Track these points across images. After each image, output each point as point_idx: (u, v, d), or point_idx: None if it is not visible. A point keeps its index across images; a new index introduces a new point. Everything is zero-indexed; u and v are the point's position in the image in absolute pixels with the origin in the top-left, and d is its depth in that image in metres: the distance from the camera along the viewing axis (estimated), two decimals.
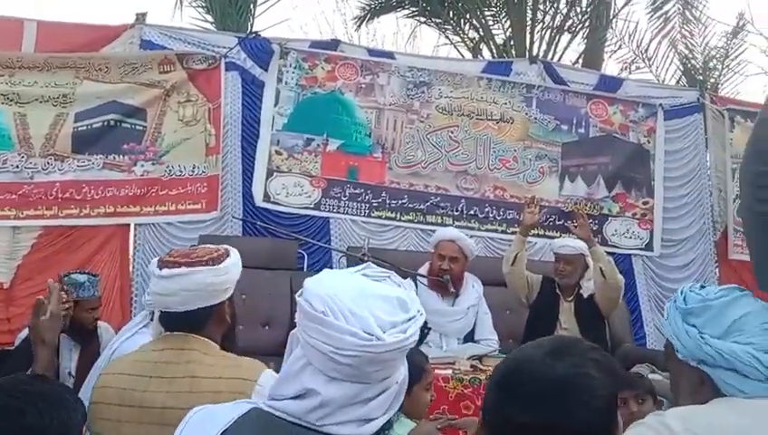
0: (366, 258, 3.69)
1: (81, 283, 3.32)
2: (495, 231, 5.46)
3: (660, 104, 5.86)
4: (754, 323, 1.32)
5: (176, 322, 1.65)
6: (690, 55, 8.28)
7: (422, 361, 2.21)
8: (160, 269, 1.63)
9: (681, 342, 1.37)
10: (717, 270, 5.82)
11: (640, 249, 5.68)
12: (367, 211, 5.22)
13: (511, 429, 0.98)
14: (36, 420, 1.21)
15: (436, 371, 3.11)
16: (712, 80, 8.34)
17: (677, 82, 8.22)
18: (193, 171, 4.92)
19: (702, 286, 1.42)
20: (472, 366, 3.25)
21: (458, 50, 8.45)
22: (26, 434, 1.21)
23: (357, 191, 5.22)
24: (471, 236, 5.20)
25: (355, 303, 1.07)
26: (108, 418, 1.60)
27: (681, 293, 1.43)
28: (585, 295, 4.09)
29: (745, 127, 5.98)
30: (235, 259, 1.68)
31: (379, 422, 1.09)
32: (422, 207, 5.34)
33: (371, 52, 5.63)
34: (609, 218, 5.66)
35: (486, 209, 5.47)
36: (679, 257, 5.73)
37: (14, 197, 4.56)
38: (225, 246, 1.73)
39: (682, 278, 5.67)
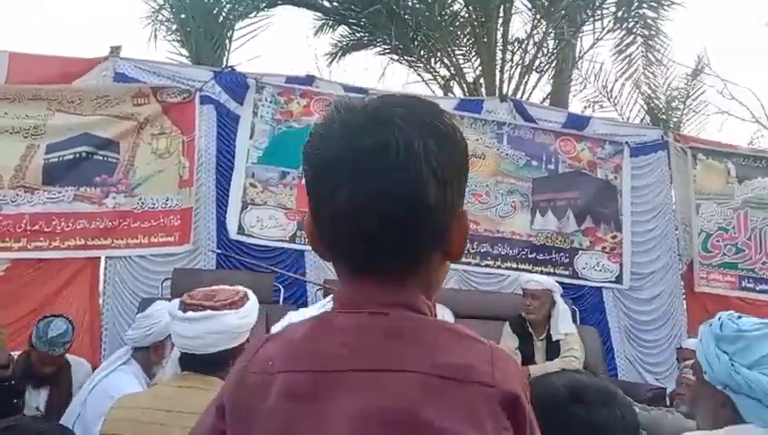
0: None
1: (54, 340, 3.12)
2: (469, 264, 5.50)
3: (626, 142, 6.04)
4: None
5: (198, 363, 1.68)
6: (653, 95, 8.58)
7: None
8: (184, 312, 1.66)
9: (711, 365, 1.44)
10: (685, 302, 5.94)
11: (611, 282, 5.78)
12: None
13: None
14: None
15: None
16: (675, 119, 8.64)
17: (641, 120, 8.48)
18: (166, 204, 4.87)
19: (739, 316, 1.49)
20: None
21: (429, 87, 8.61)
22: None
23: None
24: None
25: None
26: None
27: (719, 319, 1.49)
28: (554, 338, 4.14)
29: (707, 164, 6.20)
30: (254, 301, 1.74)
31: None
32: None
33: (346, 88, 5.70)
34: (580, 252, 5.76)
35: None
36: (648, 290, 5.84)
37: None
38: (243, 288, 1.77)
39: (651, 310, 5.79)
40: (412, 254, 0.75)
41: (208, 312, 1.64)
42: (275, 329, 1.17)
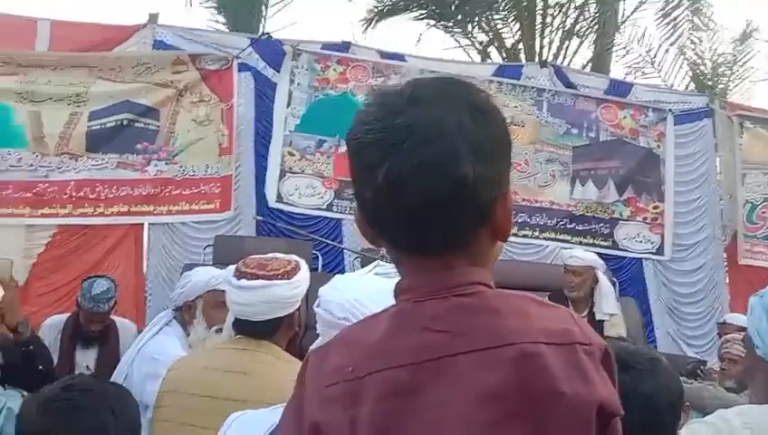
0: (385, 260, 3.70)
1: (97, 297, 3.21)
2: None
3: (670, 109, 5.88)
4: None
5: (250, 328, 1.73)
6: (699, 61, 8.30)
7: None
8: (238, 280, 1.71)
9: (763, 339, 1.40)
10: (727, 275, 5.83)
11: (651, 253, 5.69)
12: None
13: None
14: (108, 416, 1.26)
15: None
16: (721, 85, 8.35)
17: (686, 87, 8.23)
18: (206, 171, 4.93)
19: None
20: None
21: (467, 52, 8.46)
22: (101, 431, 1.25)
23: None
24: None
25: (375, 303, 1.05)
26: (178, 405, 1.69)
27: None
28: (598, 317, 4.05)
29: (754, 132, 6.01)
30: (305, 272, 1.76)
31: None
32: None
33: (383, 54, 5.64)
34: (620, 222, 5.67)
35: None
36: (689, 262, 5.74)
37: (28, 195, 4.57)
38: (296, 258, 1.80)
39: (692, 282, 5.70)
40: (456, 230, 0.74)
41: (261, 281, 1.68)
42: (322, 292, 1.17)
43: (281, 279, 1.69)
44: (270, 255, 1.85)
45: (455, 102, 0.74)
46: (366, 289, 1.12)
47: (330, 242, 4.71)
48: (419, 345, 0.72)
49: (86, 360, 3.35)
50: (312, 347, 1.17)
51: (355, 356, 0.74)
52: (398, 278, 1.18)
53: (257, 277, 1.68)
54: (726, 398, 3.08)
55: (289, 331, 1.78)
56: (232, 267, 1.80)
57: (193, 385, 1.69)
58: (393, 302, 1.08)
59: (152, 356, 2.43)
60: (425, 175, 0.71)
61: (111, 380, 2.60)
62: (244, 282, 1.69)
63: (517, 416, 0.68)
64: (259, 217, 4.89)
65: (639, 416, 0.97)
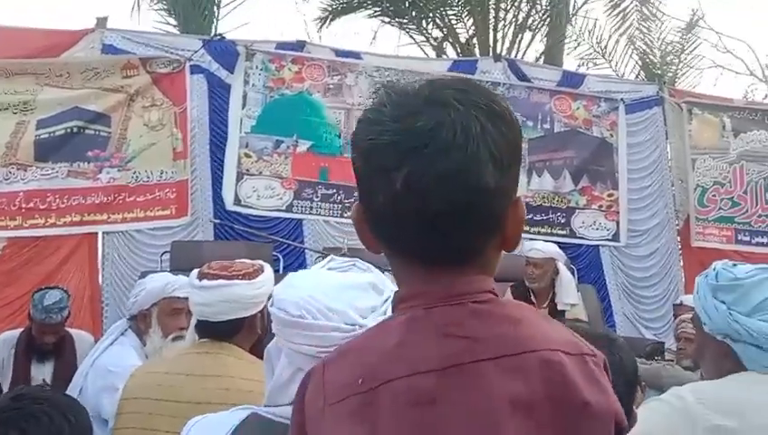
0: (345, 256, 3.69)
1: (49, 308, 3.16)
2: None
3: (621, 99, 6.00)
4: None
5: (211, 330, 1.74)
6: (648, 51, 8.50)
7: None
8: (200, 280, 1.72)
9: (709, 316, 1.44)
10: (681, 258, 5.99)
11: (608, 240, 5.81)
12: (339, 211, 5.22)
13: None
14: (63, 422, 1.26)
15: None
16: (669, 74, 8.56)
17: (636, 76, 8.42)
18: (161, 177, 4.85)
19: (734, 265, 1.48)
20: None
21: (422, 49, 8.50)
22: None
23: (329, 192, 5.22)
24: None
25: (330, 298, 1.07)
26: (140, 411, 1.69)
27: (713, 269, 1.48)
28: (559, 307, 4.12)
29: (703, 118, 6.18)
30: (269, 275, 1.76)
31: None
32: None
33: (338, 52, 5.62)
34: (577, 211, 5.78)
35: None
36: (644, 247, 5.88)
37: None
38: (261, 263, 1.81)
39: (648, 266, 5.84)
40: (473, 240, 0.73)
41: (221, 281, 1.69)
42: (276, 291, 1.16)
43: (242, 279, 1.70)
44: (238, 260, 1.86)
45: (475, 106, 0.70)
46: (320, 285, 1.11)
47: (290, 242, 4.68)
48: (441, 351, 0.69)
49: (42, 374, 3.27)
50: (269, 347, 1.16)
51: (365, 367, 0.70)
52: (353, 271, 1.18)
53: (218, 277, 1.70)
54: (683, 376, 3.17)
55: (251, 333, 1.79)
56: (196, 271, 1.80)
57: (155, 390, 1.69)
58: (347, 294, 1.08)
59: (107, 368, 2.38)
60: (449, 182, 0.68)
61: (66, 393, 2.56)
62: (205, 282, 1.71)
63: (547, 425, 0.67)
64: (216, 221, 4.83)
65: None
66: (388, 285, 1.14)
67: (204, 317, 1.74)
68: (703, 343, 1.51)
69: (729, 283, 1.42)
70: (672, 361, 3.78)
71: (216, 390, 1.61)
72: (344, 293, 1.09)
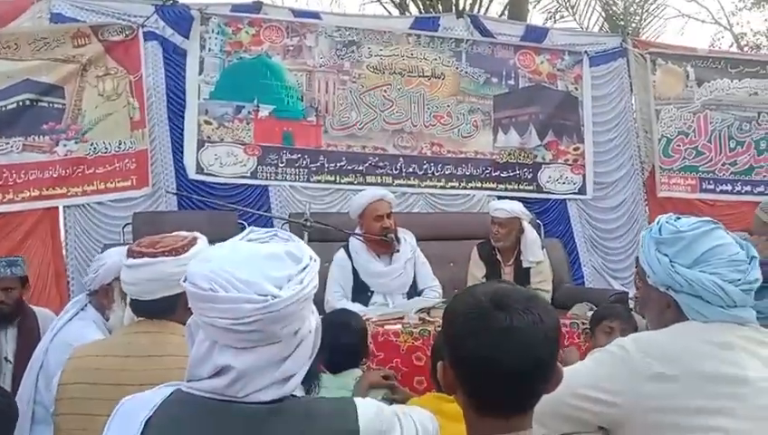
0: (309, 223, 3.66)
1: (4, 262, 3.17)
2: (434, 187, 5.52)
3: (585, 51, 5.98)
4: (723, 254, 1.41)
5: (145, 309, 1.68)
6: (611, 2, 8.46)
7: None
8: (127, 258, 1.66)
9: (652, 269, 1.47)
10: (647, 208, 6.07)
11: (574, 193, 5.86)
12: (305, 176, 5.17)
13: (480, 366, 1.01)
14: None
15: (386, 326, 3.16)
16: (633, 24, 8.55)
17: (600, 28, 8.39)
18: (119, 148, 4.74)
19: (678, 218, 1.50)
20: (420, 319, 3.30)
21: (385, 7, 8.36)
22: None
23: (294, 157, 5.16)
24: (411, 194, 5.24)
25: (241, 270, 1.05)
26: (79, 396, 1.62)
27: (657, 223, 1.51)
28: (524, 265, 4.15)
29: (667, 69, 6.19)
30: (200, 248, 1.67)
31: (300, 377, 1.10)
32: (361, 168, 5.32)
33: (296, 12, 5.49)
34: (543, 166, 5.80)
35: (425, 166, 5.51)
36: (611, 199, 5.95)
37: None
38: (195, 233, 1.74)
39: (614, 218, 5.91)
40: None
41: (145, 259, 1.63)
42: (189, 266, 1.13)
43: (168, 256, 1.63)
44: (174, 233, 1.79)
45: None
46: (232, 256, 1.08)
47: (254, 211, 4.63)
48: None
49: (3, 352, 3.23)
50: (189, 321, 1.14)
51: None
52: (273, 242, 1.15)
53: (143, 255, 1.63)
54: (643, 325, 3.24)
55: (188, 310, 1.73)
56: (126, 248, 1.74)
57: (92, 374, 1.63)
58: (260, 264, 1.05)
59: (68, 343, 2.32)
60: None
61: (27, 369, 2.53)
62: (130, 260, 1.64)
63: None
64: (173, 193, 4.76)
65: (515, 351, 0.99)
66: (307, 253, 1.13)
67: (134, 296, 1.68)
68: (647, 295, 1.53)
69: (672, 236, 1.45)
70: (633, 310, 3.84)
71: (158, 370, 1.55)
72: (257, 263, 1.07)
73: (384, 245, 3.81)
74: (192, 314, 1.71)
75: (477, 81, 5.68)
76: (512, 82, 5.78)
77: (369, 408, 1.11)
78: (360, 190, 5.10)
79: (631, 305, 4.20)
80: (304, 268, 1.10)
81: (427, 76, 5.56)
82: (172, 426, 1.05)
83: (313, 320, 1.15)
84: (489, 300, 1.02)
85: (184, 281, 1.10)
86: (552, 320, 1.03)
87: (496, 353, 0.98)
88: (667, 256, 1.44)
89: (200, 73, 4.99)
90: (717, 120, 6.24)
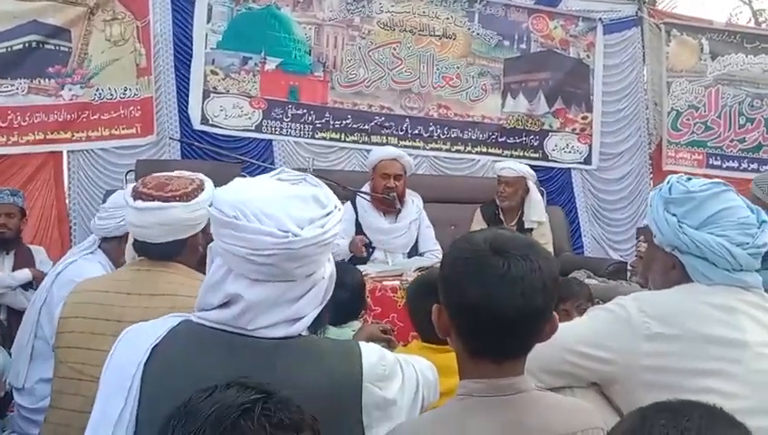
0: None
1: (1, 189, 3.38)
2: (440, 150, 5.49)
3: (600, 18, 5.88)
4: (732, 217, 1.39)
5: (151, 250, 1.68)
6: None
7: None
8: (134, 200, 1.63)
9: (659, 228, 1.45)
10: (651, 181, 6.04)
11: (579, 163, 5.83)
12: (310, 132, 5.14)
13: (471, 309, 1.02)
14: None
15: (385, 283, 3.19)
16: None
17: None
18: (125, 94, 4.71)
19: (689, 178, 1.47)
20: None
21: None
22: None
23: (299, 112, 5.12)
24: (416, 156, 5.23)
25: (266, 204, 1.07)
26: (80, 331, 1.63)
27: (668, 182, 1.48)
28: (526, 226, 4.17)
29: (681, 40, 6.09)
30: (208, 194, 1.68)
31: (308, 319, 1.11)
32: (366, 127, 5.29)
33: None
34: (550, 134, 5.76)
35: (431, 128, 5.47)
36: (616, 170, 5.91)
37: None
38: (201, 177, 1.73)
39: (618, 190, 5.89)
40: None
41: (156, 203, 1.61)
42: (216, 192, 1.15)
43: (178, 201, 1.63)
44: (175, 172, 1.78)
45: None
46: (261, 190, 1.10)
47: (258, 163, 4.62)
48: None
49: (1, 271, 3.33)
50: (211, 244, 1.16)
51: None
52: (302, 185, 1.17)
53: (153, 199, 1.62)
54: (636, 292, 3.26)
55: (194, 253, 1.74)
56: (131, 186, 1.73)
57: (95, 309, 1.63)
58: (285, 203, 1.07)
59: (71, 279, 2.35)
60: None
61: (30, 304, 2.58)
62: (140, 203, 1.62)
63: None
64: (177, 139, 4.73)
65: (511, 297, 1.00)
66: (333, 200, 1.14)
67: (141, 238, 1.68)
68: (652, 255, 1.52)
69: (681, 196, 1.42)
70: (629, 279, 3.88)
71: (161, 308, 1.53)
72: (283, 201, 1.08)
73: (386, 203, 3.82)
74: (198, 254, 1.73)
75: (489, 43, 5.60)
76: (523, 46, 5.70)
77: (372, 352, 1.13)
78: (365, 149, 5.12)
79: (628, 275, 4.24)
80: (328, 214, 1.11)
81: (437, 36, 5.48)
82: (179, 354, 1.07)
83: (329, 267, 1.16)
84: (488, 245, 1.02)
85: (209, 205, 1.12)
86: (551, 269, 1.03)
87: (492, 298, 0.98)
88: (675, 215, 1.42)
89: (208, 22, 4.91)
90: (729, 96, 6.16)
